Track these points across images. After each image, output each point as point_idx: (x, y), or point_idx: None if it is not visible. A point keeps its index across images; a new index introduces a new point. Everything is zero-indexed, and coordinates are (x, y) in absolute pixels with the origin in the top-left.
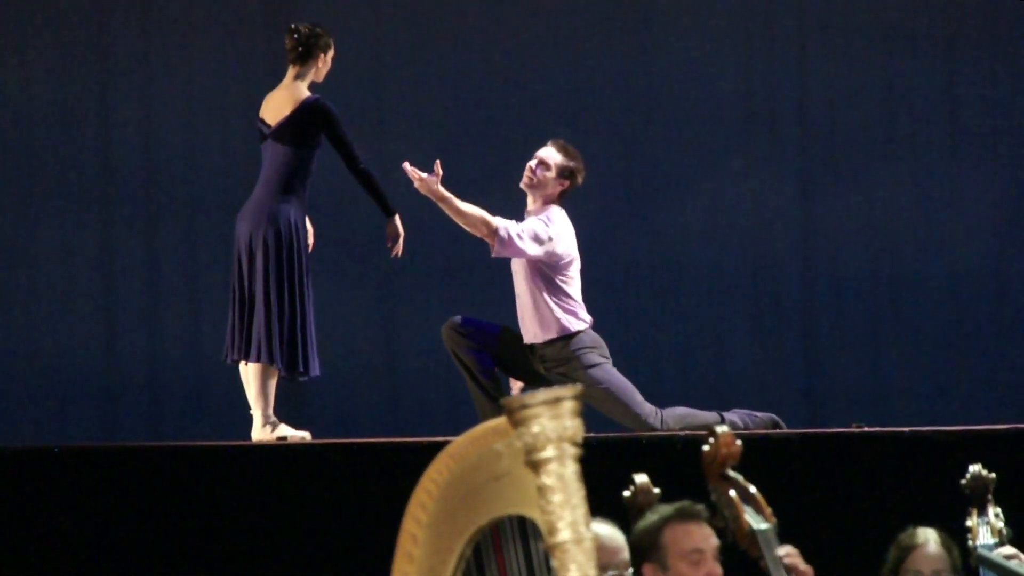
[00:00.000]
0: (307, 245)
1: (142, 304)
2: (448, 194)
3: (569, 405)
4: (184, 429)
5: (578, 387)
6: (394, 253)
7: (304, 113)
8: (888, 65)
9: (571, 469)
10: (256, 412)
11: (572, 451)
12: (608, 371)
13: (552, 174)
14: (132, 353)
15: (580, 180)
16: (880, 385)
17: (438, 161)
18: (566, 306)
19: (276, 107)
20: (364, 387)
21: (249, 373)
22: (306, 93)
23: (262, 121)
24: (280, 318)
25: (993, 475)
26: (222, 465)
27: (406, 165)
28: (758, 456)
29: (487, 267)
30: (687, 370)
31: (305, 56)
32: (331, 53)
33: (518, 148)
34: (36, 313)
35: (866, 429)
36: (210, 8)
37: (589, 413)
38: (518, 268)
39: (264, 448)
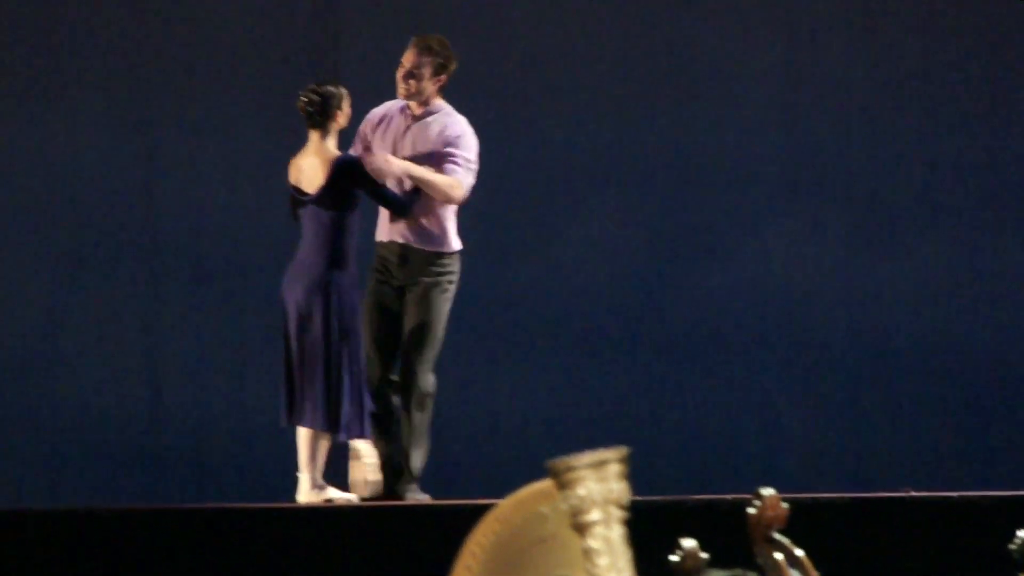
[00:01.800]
0: (360, 308)
1: (187, 367)
2: (408, 164)
3: (615, 468)
4: (229, 491)
5: (624, 450)
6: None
7: (340, 174)
8: (933, 130)
9: (617, 532)
10: (304, 475)
11: (618, 514)
12: (446, 311)
13: (427, 77)
14: (177, 416)
15: (455, 65)
16: (928, 449)
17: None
18: (452, 218)
19: (310, 173)
20: None
21: (300, 437)
22: (336, 153)
23: (296, 189)
24: (338, 382)
25: None
26: (267, 527)
27: (369, 153)
28: (805, 519)
29: (518, 331)
30: (733, 434)
31: (324, 119)
32: (347, 103)
33: (561, 210)
34: (82, 376)
35: (914, 493)
36: (255, 71)
37: (635, 475)
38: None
39: (310, 510)
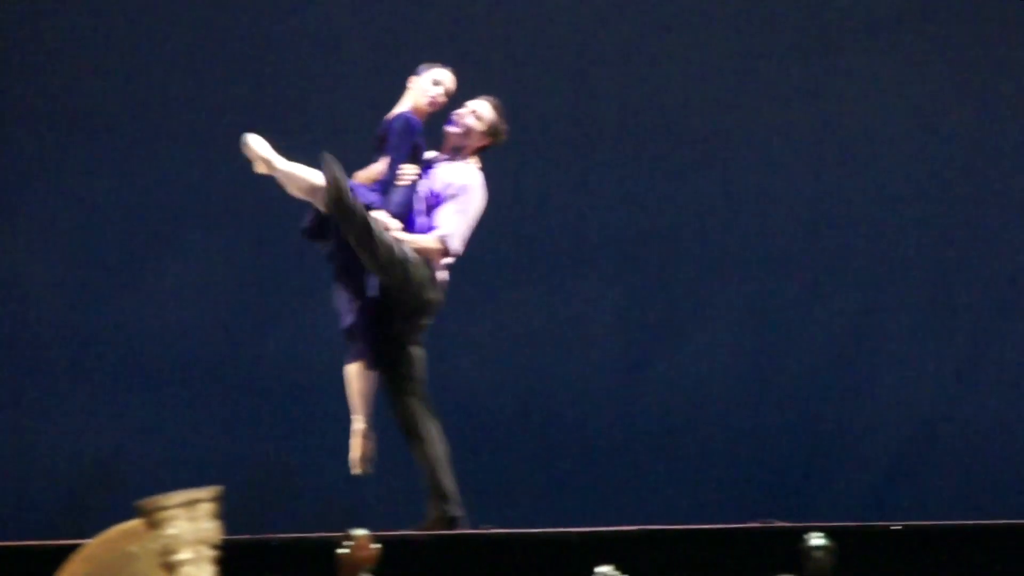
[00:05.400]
0: None
1: None
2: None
3: (207, 507)
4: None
5: (217, 489)
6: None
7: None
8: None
9: (208, 571)
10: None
11: (209, 553)
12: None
13: (482, 128)
14: None
15: (501, 139)
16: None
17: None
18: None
19: None
20: None
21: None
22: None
23: None
24: None
25: None
26: None
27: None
28: (397, 558)
29: None
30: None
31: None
32: (428, 77)
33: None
34: None
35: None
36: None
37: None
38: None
39: None
